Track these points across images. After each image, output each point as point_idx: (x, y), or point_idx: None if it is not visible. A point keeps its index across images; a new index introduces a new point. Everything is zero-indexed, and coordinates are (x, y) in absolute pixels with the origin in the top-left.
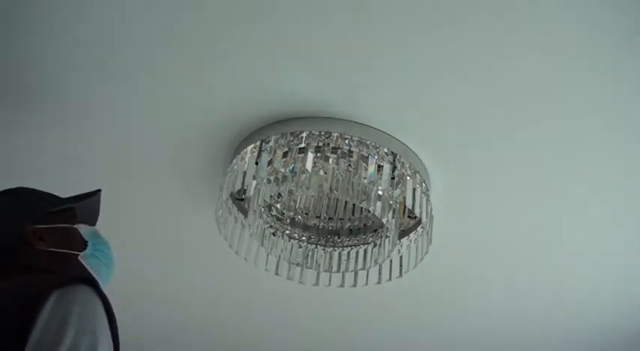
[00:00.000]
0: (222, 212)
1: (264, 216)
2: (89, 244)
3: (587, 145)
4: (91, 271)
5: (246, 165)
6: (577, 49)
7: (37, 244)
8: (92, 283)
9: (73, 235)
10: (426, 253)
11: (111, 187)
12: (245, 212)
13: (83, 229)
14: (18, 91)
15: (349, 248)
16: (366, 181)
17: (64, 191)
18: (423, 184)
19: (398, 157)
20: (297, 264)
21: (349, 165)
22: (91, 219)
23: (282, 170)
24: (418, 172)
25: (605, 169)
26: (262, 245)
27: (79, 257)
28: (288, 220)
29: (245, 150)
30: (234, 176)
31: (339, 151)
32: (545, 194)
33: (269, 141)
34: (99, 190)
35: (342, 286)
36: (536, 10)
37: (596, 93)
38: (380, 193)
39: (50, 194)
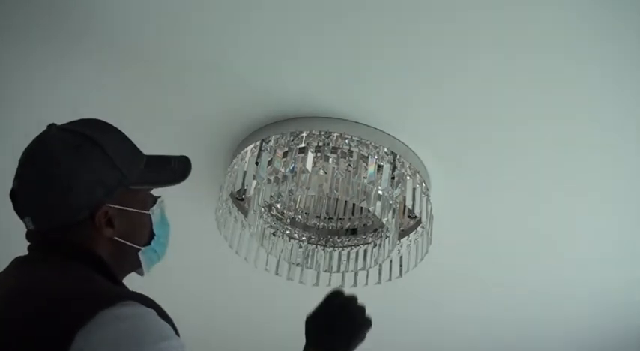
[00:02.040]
0: (222, 212)
1: (264, 216)
2: (155, 236)
3: (587, 145)
4: (143, 266)
5: (246, 165)
6: (578, 49)
7: (104, 230)
8: (140, 299)
9: (144, 225)
10: (426, 253)
11: None
12: (245, 212)
13: (155, 214)
14: None
15: (349, 248)
16: (366, 181)
17: None
18: (423, 184)
19: (398, 157)
20: (297, 264)
21: (349, 165)
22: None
23: (282, 170)
24: (418, 172)
25: (605, 169)
26: (262, 245)
27: (139, 253)
28: (288, 220)
29: (245, 150)
30: (234, 176)
31: (339, 151)
32: (545, 194)
33: (269, 141)
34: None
35: (342, 286)
36: (536, 9)
37: (598, 94)
38: (380, 193)
39: (134, 149)
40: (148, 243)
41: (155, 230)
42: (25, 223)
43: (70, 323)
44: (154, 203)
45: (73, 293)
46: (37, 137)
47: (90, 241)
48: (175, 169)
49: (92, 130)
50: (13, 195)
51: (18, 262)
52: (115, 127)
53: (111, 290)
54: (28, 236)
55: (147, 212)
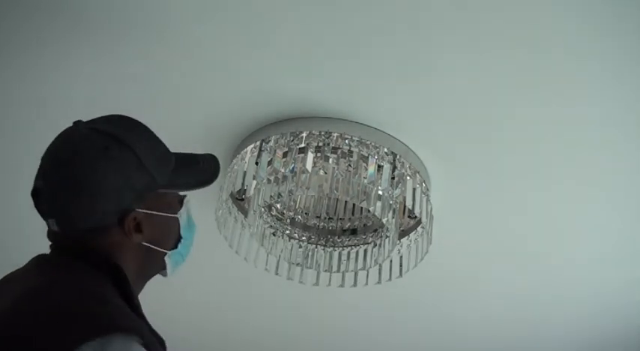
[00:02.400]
0: (222, 212)
1: (264, 216)
2: (182, 239)
3: (587, 144)
4: (168, 269)
5: (246, 165)
6: (578, 49)
7: (132, 236)
8: (136, 331)
9: (172, 229)
10: (426, 253)
11: None
12: (245, 212)
13: (182, 217)
14: None
15: (349, 248)
16: (366, 181)
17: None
18: (423, 184)
19: (398, 157)
20: (297, 264)
21: (349, 165)
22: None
23: (282, 170)
24: (418, 172)
25: (605, 168)
26: (262, 245)
27: (165, 257)
28: (288, 220)
29: (245, 150)
30: (234, 176)
31: (339, 151)
32: (545, 195)
33: (269, 141)
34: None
35: (342, 286)
36: (536, 7)
37: (598, 92)
38: (380, 193)
39: (163, 148)
40: (175, 246)
41: (182, 233)
42: (49, 224)
43: (61, 342)
44: (181, 204)
45: (74, 312)
46: (63, 136)
47: (116, 247)
48: (205, 169)
49: (121, 130)
50: (36, 193)
51: (41, 260)
52: (143, 125)
53: (113, 317)
54: (50, 236)
55: (175, 216)
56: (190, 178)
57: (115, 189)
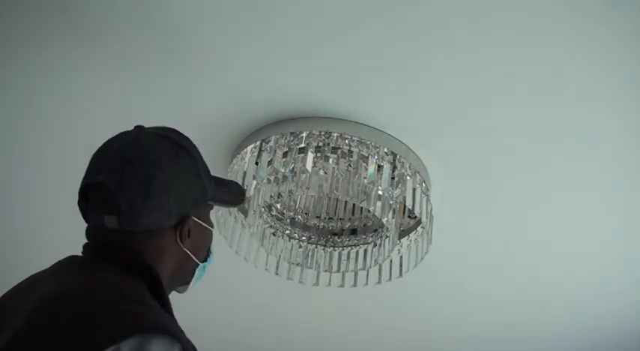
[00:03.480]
0: (222, 212)
1: (264, 216)
2: (210, 253)
3: (587, 144)
4: (191, 283)
5: (246, 165)
6: (578, 50)
7: (184, 241)
8: (171, 333)
9: (207, 242)
10: (426, 253)
11: None
12: (245, 212)
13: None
14: None
15: (349, 248)
16: (366, 181)
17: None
18: (423, 184)
19: (398, 157)
20: (297, 264)
21: (349, 165)
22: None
23: (282, 170)
24: (418, 172)
25: (605, 169)
26: (262, 245)
27: (197, 268)
28: (288, 220)
29: (245, 150)
30: (234, 176)
31: (339, 151)
32: (545, 195)
33: (269, 141)
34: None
35: (342, 286)
36: (536, 9)
37: (598, 95)
38: (380, 193)
39: (207, 166)
40: (205, 260)
41: (211, 248)
42: (104, 221)
43: (99, 340)
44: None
45: (113, 310)
46: (127, 137)
47: (163, 250)
48: (236, 191)
49: (184, 141)
50: (89, 189)
51: (75, 261)
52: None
53: (152, 317)
54: (92, 235)
55: (211, 229)
56: (227, 195)
57: (181, 193)
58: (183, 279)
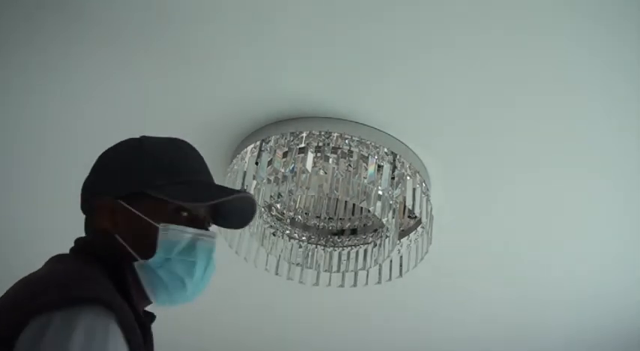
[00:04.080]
0: None
1: (264, 216)
2: (156, 255)
3: (587, 144)
4: (144, 286)
5: (246, 165)
6: (578, 50)
7: (111, 226)
8: (106, 304)
9: (147, 235)
10: (426, 253)
11: None
12: None
13: (172, 233)
14: None
15: (349, 248)
16: (366, 181)
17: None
18: (423, 184)
19: (398, 157)
20: (297, 264)
21: (349, 165)
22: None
23: (282, 170)
24: (418, 172)
25: (605, 169)
26: (262, 245)
27: (135, 263)
28: (288, 220)
29: (245, 150)
30: (234, 176)
31: (339, 151)
32: (545, 195)
33: (269, 141)
34: (242, 192)
35: (342, 286)
36: (535, 9)
37: (600, 94)
38: (380, 193)
39: (184, 163)
40: (148, 257)
41: (159, 247)
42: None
43: (29, 309)
44: (178, 221)
45: (49, 283)
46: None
47: (104, 231)
48: (213, 194)
49: (160, 139)
50: None
51: (58, 255)
52: (192, 151)
53: (88, 289)
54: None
55: (154, 223)
56: (183, 191)
57: (113, 171)
58: (134, 272)
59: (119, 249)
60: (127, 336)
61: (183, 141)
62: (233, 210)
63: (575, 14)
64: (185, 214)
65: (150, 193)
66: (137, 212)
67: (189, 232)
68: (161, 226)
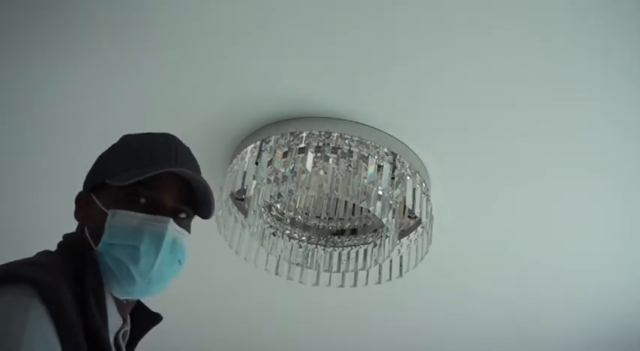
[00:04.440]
0: (222, 212)
1: (264, 216)
2: (102, 241)
3: (586, 145)
4: (104, 273)
5: (246, 165)
6: (578, 50)
7: (84, 219)
8: (29, 281)
9: (102, 222)
10: (426, 253)
11: None
12: (245, 212)
13: (119, 218)
14: None
15: (349, 248)
16: (366, 181)
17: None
18: (423, 184)
19: (398, 157)
20: (297, 264)
21: (349, 165)
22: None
23: (282, 170)
24: (418, 172)
25: (605, 171)
26: (262, 245)
27: (94, 252)
28: (288, 220)
29: (245, 150)
30: (234, 176)
31: (339, 151)
32: (545, 195)
33: (269, 141)
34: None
35: (342, 286)
36: (535, 8)
37: (600, 94)
38: (380, 193)
39: (137, 158)
40: (97, 245)
41: (106, 231)
42: None
43: None
44: (129, 206)
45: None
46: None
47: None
48: (138, 174)
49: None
50: None
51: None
52: (163, 139)
53: (15, 269)
54: None
55: (103, 208)
56: (126, 175)
57: (96, 169)
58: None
59: (85, 240)
60: (52, 312)
61: (164, 134)
62: (202, 198)
63: (575, 14)
64: (142, 200)
65: (108, 182)
66: (96, 201)
67: (136, 217)
68: (110, 211)
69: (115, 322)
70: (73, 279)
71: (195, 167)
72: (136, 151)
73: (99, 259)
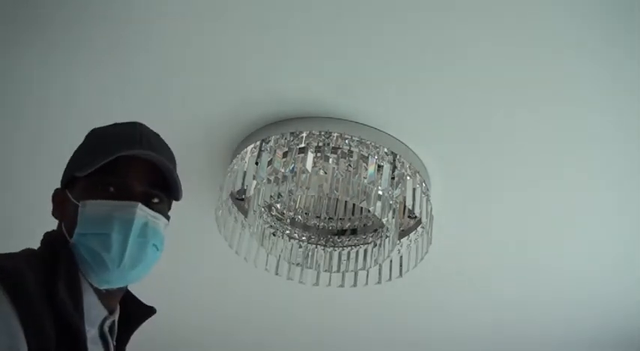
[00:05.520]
0: (222, 212)
1: (264, 216)
2: (75, 232)
3: (586, 145)
4: (81, 265)
5: (246, 165)
6: (578, 50)
7: (60, 215)
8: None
9: (75, 214)
10: (426, 253)
11: None
12: (245, 212)
13: (89, 208)
14: None
15: (349, 248)
16: (366, 181)
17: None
18: (423, 184)
19: (398, 157)
20: (297, 264)
21: (349, 165)
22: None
23: (282, 170)
24: (418, 172)
25: (605, 171)
26: (262, 245)
27: (69, 244)
28: (288, 220)
29: (245, 150)
30: (234, 176)
31: (339, 151)
32: (545, 195)
33: (269, 141)
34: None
35: (342, 286)
36: (534, 9)
37: (601, 94)
38: (380, 193)
39: (96, 151)
40: (71, 236)
41: (79, 222)
42: None
43: None
44: (97, 196)
45: None
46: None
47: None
48: (97, 161)
49: (121, 124)
50: None
51: None
52: (130, 128)
53: None
54: None
55: (74, 201)
56: (88, 164)
57: (69, 163)
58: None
59: (62, 235)
60: (14, 298)
61: (131, 123)
62: (169, 180)
63: (575, 16)
64: (111, 189)
65: (77, 175)
66: (69, 195)
67: (105, 205)
68: (80, 203)
69: (96, 312)
70: (49, 272)
71: (165, 152)
72: (102, 141)
73: (74, 251)
